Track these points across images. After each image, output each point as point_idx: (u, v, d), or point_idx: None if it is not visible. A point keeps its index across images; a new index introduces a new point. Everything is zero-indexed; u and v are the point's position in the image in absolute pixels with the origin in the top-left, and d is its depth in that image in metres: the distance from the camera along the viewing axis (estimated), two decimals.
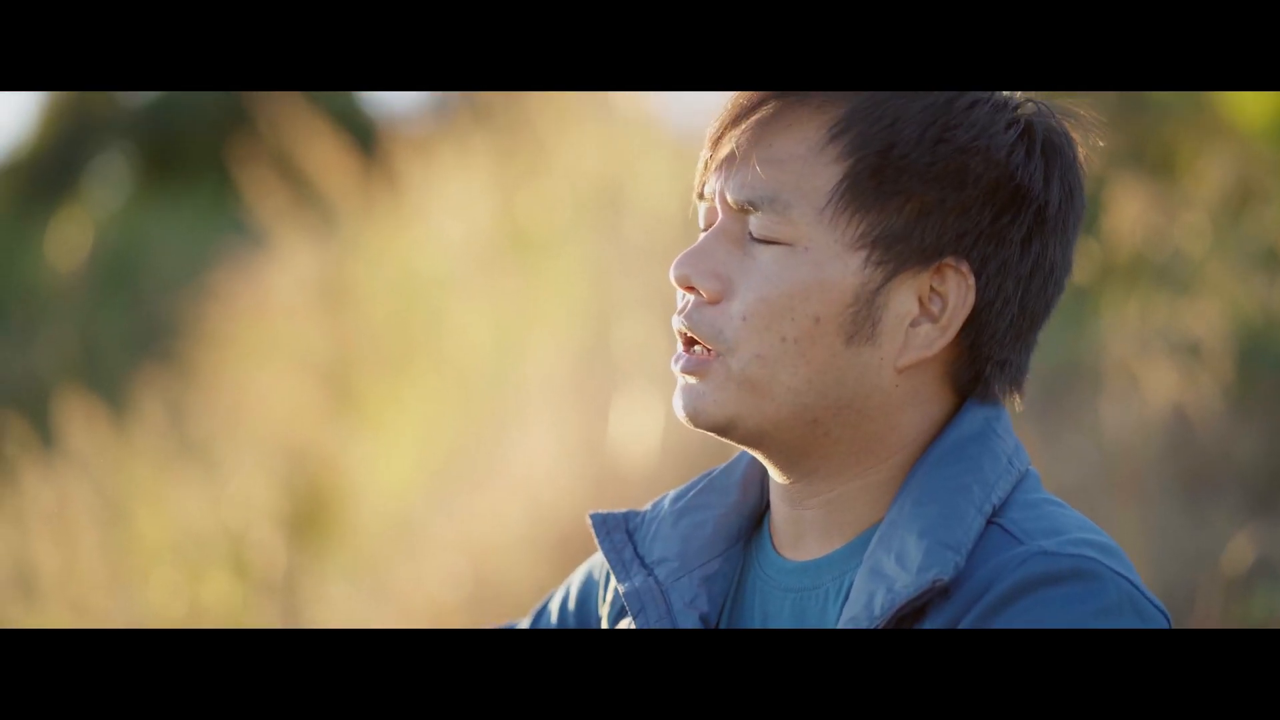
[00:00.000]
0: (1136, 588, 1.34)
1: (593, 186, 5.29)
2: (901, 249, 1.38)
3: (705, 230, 1.45)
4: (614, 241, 5.11)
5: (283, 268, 6.87)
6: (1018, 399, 1.46)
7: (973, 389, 1.43)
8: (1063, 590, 1.31)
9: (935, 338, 1.40)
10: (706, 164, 1.44)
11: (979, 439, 1.41)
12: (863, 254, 1.38)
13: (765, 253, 1.39)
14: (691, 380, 1.41)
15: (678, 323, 1.42)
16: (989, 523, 1.37)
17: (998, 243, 1.40)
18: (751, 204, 1.40)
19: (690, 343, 1.42)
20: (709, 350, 1.41)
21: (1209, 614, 3.24)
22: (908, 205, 1.38)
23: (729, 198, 1.41)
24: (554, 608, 1.61)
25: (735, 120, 1.41)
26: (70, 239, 5.49)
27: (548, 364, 5.03)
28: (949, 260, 1.39)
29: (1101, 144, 1.46)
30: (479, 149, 5.98)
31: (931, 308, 1.40)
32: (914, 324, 1.40)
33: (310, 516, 5.43)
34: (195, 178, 11.85)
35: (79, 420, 4.80)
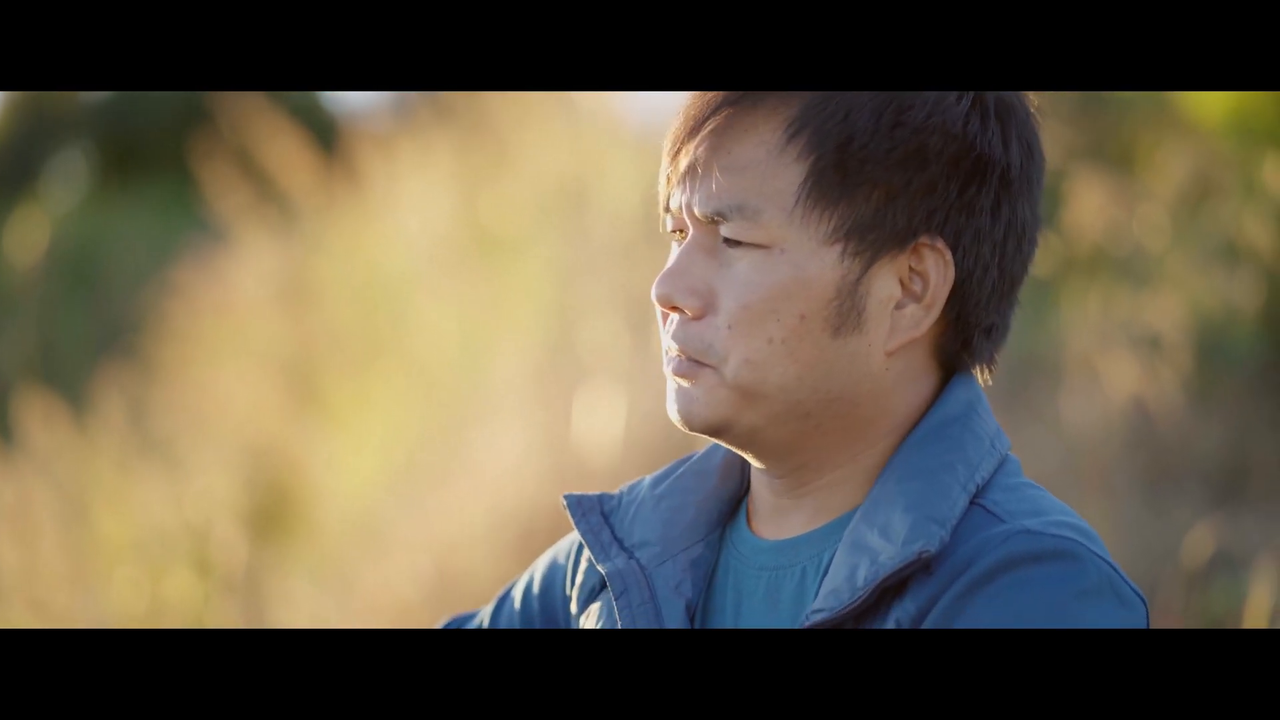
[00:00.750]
0: (1116, 571, 1.35)
1: (556, 184, 5.29)
2: (875, 236, 1.39)
3: (673, 233, 1.46)
4: (577, 239, 5.11)
5: (244, 264, 6.84)
6: (988, 371, 1.47)
7: (960, 359, 1.44)
8: (1044, 569, 1.32)
9: (921, 317, 1.41)
10: (669, 178, 1.44)
11: (961, 420, 1.42)
12: (838, 247, 1.39)
13: (741, 259, 1.40)
14: (684, 384, 1.42)
15: (668, 342, 1.43)
16: (972, 503, 1.38)
17: (968, 213, 1.41)
18: (720, 215, 1.40)
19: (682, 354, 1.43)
20: (701, 363, 1.41)
21: (1169, 606, 3.26)
22: (875, 193, 1.39)
23: (696, 212, 1.42)
24: (517, 595, 1.60)
25: (691, 132, 1.42)
26: (29, 236, 5.46)
27: (511, 362, 5.03)
28: (924, 239, 1.40)
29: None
30: (441, 146, 5.98)
31: (913, 288, 1.41)
32: (898, 306, 1.41)
33: (273, 514, 5.42)
34: (155, 174, 11.79)
35: (39, 418, 4.77)
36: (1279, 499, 4.35)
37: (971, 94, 1.41)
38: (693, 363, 1.41)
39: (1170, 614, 3.24)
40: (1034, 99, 1.46)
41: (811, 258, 1.39)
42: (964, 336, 1.43)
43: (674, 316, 1.42)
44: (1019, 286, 1.45)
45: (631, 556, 1.47)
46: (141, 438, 5.43)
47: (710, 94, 1.43)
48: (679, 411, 1.42)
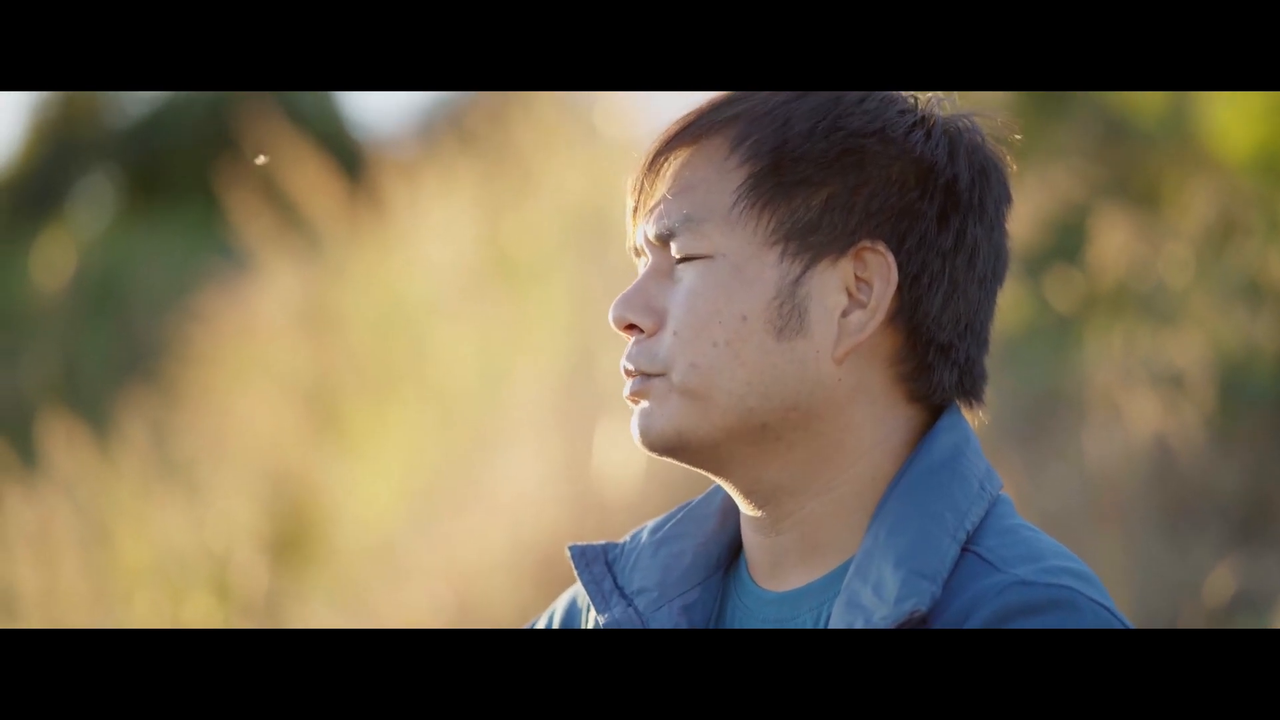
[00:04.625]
0: (1113, 614, 1.34)
1: (578, 211, 5.30)
2: (814, 239, 1.40)
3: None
4: (599, 267, 5.11)
5: (267, 290, 6.86)
6: (980, 412, 1.46)
7: (923, 386, 1.42)
8: (1041, 620, 1.32)
9: (866, 320, 1.40)
10: (634, 218, 1.47)
11: (949, 465, 1.40)
12: (778, 249, 1.40)
13: (688, 271, 1.42)
14: (642, 403, 1.44)
15: (624, 363, 1.44)
16: (964, 550, 1.37)
17: (912, 218, 1.41)
18: (670, 231, 1.43)
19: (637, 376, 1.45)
20: (650, 376, 1.43)
21: None
22: (815, 197, 1.40)
23: (651, 235, 1.44)
24: None
25: (648, 168, 1.46)
26: (55, 260, 5.49)
27: (532, 389, 5.03)
28: (865, 243, 1.40)
29: (1018, 137, 1.48)
30: (464, 173, 5.99)
31: (860, 297, 1.41)
32: (845, 314, 1.41)
33: (292, 539, 5.42)
34: (180, 200, 11.84)
35: (62, 441, 4.79)
36: None
37: (916, 114, 1.42)
38: (644, 377, 1.43)
39: None
40: (993, 136, 1.45)
41: (751, 260, 1.40)
42: (919, 355, 1.42)
43: (631, 340, 1.44)
44: (981, 314, 1.44)
45: (630, 604, 1.47)
46: (163, 462, 5.44)
47: (665, 131, 1.46)
48: (638, 430, 1.43)
